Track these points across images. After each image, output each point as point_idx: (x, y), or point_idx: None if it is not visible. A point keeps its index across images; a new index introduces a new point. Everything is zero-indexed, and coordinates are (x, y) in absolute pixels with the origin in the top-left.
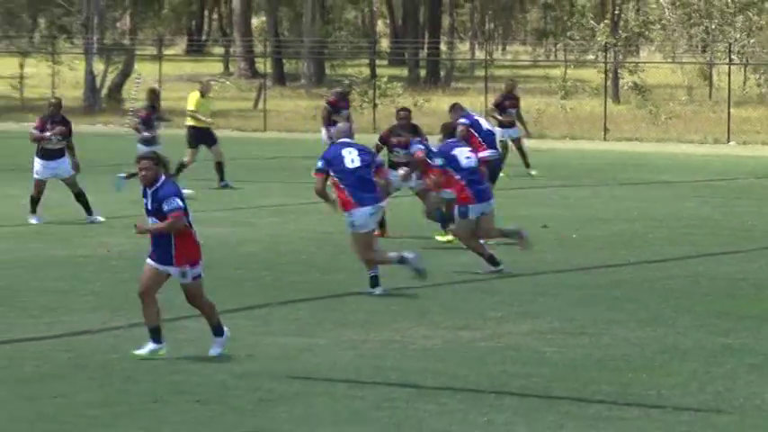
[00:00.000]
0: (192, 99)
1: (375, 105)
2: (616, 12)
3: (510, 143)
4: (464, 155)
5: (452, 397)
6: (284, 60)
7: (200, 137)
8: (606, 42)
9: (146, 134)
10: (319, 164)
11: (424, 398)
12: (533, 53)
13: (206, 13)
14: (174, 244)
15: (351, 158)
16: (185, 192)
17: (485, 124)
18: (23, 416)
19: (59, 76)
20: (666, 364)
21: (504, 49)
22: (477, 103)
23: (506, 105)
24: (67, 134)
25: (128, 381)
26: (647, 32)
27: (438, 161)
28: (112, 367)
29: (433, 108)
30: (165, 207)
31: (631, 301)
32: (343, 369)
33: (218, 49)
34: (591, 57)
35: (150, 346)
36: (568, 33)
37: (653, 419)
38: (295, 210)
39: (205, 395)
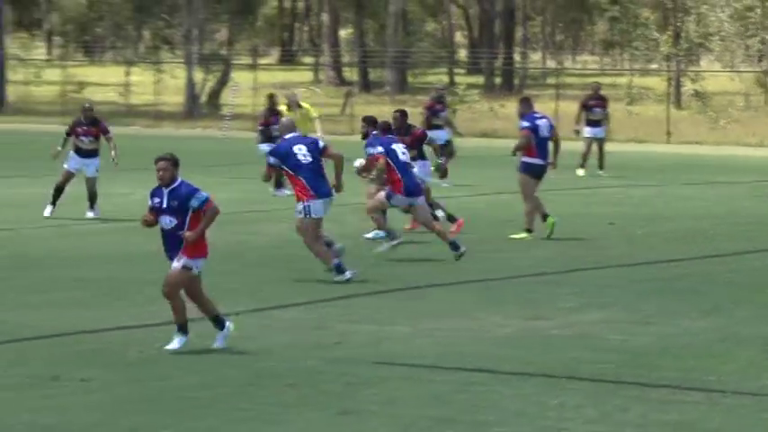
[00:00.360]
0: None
1: (454, 111)
2: (678, 24)
3: (594, 143)
4: (400, 150)
5: (527, 381)
6: (369, 69)
7: None
8: (669, 53)
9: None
10: (271, 160)
11: (500, 382)
12: (601, 62)
13: (297, 25)
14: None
15: (302, 154)
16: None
17: (544, 131)
18: (130, 397)
19: (162, 83)
20: (726, 352)
21: (573, 58)
22: (548, 109)
23: (592, 105)
24: (98, 135)
25: (224, 365)
26: (706, 43)
27: (379, 148)
28: (210, 353)
29: (507, 113)
30: (195, 203)
31: (693, 293)
32: (424, 355)
33: (309, 59)
34: (654, 66)
35: (177, 339)
36: (633, 44)
37: (714, 403)
38: None
39: (296, 379)
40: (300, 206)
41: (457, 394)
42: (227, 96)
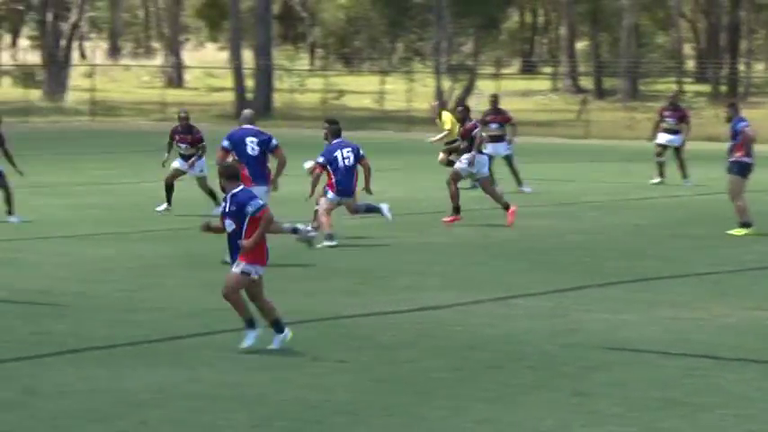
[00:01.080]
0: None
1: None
2: None
3: None
4: (342, 155)
5: (749, 367)
6: (603, 78)
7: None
8: None
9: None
10: (225, 143)
11: (724, 368)
12: None
13: (537, 38)
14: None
15: (251, 147)
16: None
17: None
18: (383, 377)
19: (413, 91)
20: None
21: None
22: None
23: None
24: (193, 142)
25: (470, 349)
26: None
27: (320, 159)
28: (457, 338)
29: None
30: (250, 209)
31: None
32: (652, 342)
33: (548, 69)
34: None
35: (249, 335)
36: None
37: None
38: (614, 205)
39: (535, 362)
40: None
41: (683, 378)
42: (472, 103)
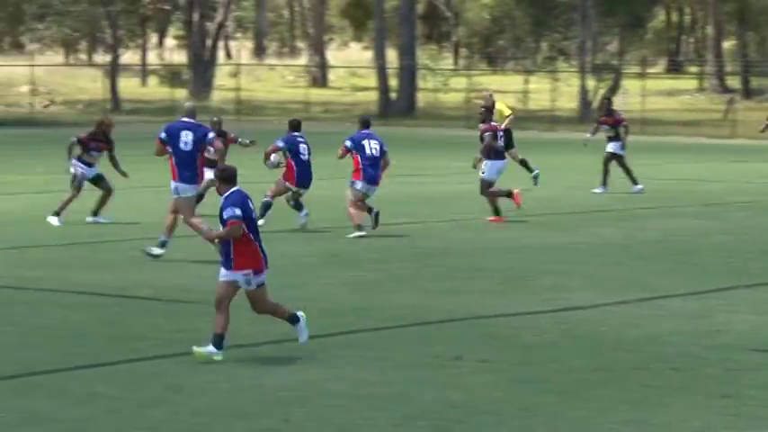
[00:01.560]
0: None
1: None
2: None
3: None
4: (370, 146)
5: None
6: (751, 77)
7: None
8: None
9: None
10: (162, 135)
11: None
12: None
13: (683, 37)
14: (233, 249)
15: (184, 141)
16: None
17: None
18: (526, 377)
19: (557, 91)
20: None
21: None
22: None
23: None
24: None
25: (614, 350)
26: None
27: (348, 143)
28: (601, 338)
29: None
30: (224, 215)
31: None
32: None
33: (694, 68)
34: None
35: (210, 348)
36: None
37: None
38: (761, 205)
39: (680, 364)
40: (172, 183)
41: None
42: (617, 102)
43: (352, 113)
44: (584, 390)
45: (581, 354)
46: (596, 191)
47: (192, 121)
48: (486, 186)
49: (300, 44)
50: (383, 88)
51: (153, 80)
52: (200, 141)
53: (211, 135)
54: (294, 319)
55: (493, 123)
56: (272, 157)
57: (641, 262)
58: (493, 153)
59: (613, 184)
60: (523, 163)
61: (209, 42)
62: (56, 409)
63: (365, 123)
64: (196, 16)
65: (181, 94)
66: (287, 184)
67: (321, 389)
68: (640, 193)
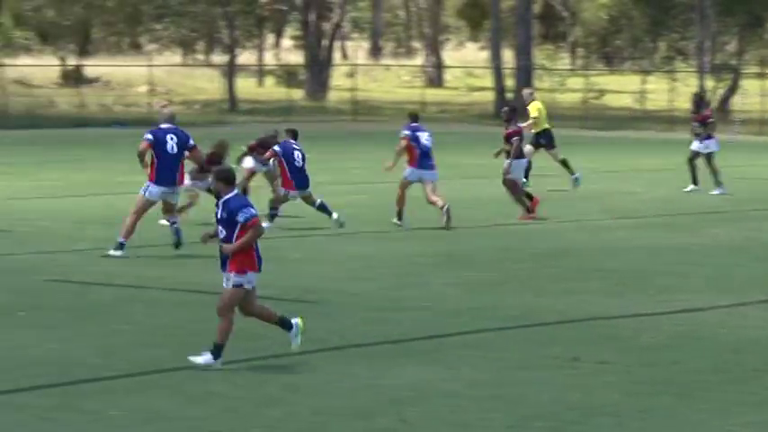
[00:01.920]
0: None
1: None
2: None
3: None
4: (424, 137)
5: None
6: None
7: (542, 140)
8: None
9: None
10: (149, 136)
11: None
12: None
13: None
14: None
15: (171, 145)
16: None
17: None
18: (644, 378)
19: (675, 91)
20: None
21: None
22: None
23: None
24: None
25: (734, 352)
26: None
27: (406, 132)
28: (720, 340)
29: None
30: (241, 217)
31: None
32: None
33: None
34: None
35: (207, 357)
36: None
37: None
38: None
39: None
40: (145, 185)
41: None
42: (736, 102)
43: (469, 114)
44: (703, 391)
45: (700, 355)
46: (716, 192)
47: (172, 126)
48: (512, 186)
49: (416, 44)
50: (499, 88)
51: (269, 80)
52: (184, 146)
53: (192, 141)
54: (286, 325)
55: (519, 125)
56: (246, 161)
57: (760, 264)
58: (518, 153)
59: (725, 185)
60: (564, 163)
61: (325, 43)
62: (173, 407)
63: (414, 117)
64: (312, 17)
65: (297, 94)
66: (284, 191)
67: (437, 389)
68: (723, 194)
